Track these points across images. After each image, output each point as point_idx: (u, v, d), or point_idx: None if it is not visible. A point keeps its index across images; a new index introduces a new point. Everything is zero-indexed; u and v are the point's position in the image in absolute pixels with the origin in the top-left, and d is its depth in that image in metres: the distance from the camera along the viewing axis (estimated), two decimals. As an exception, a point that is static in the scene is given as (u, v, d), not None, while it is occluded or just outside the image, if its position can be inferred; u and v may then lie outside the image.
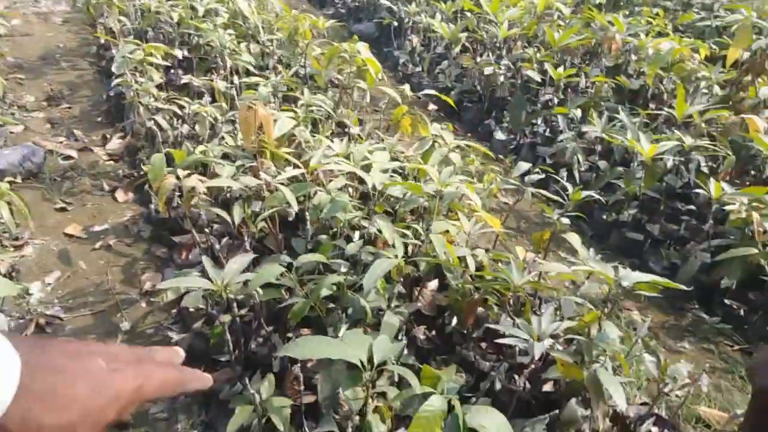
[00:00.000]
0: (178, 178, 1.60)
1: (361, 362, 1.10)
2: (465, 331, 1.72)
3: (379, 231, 1.44)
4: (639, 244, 2.39)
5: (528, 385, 1.65)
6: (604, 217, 2.52)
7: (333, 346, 1.11)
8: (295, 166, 1.61)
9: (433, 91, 2.44)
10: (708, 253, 2.13)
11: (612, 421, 1.60)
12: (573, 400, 1.37)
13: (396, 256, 1.38)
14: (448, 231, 1.62)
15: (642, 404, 1.69)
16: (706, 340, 2.03)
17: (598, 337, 1.42)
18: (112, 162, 2.78)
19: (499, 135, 3.14)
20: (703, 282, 2.18)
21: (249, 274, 1.35)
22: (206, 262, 1.40)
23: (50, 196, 2.44)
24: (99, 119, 3.14)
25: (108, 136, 2.94)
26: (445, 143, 1.98)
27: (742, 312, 2.08)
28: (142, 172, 2.41)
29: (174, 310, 1.92)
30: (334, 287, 1.41)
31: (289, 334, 1.64)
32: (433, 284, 1.97)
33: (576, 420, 1.35)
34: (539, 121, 3.09)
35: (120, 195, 2.51)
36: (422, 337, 1.82)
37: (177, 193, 1.98)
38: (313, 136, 2.13)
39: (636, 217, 2.47)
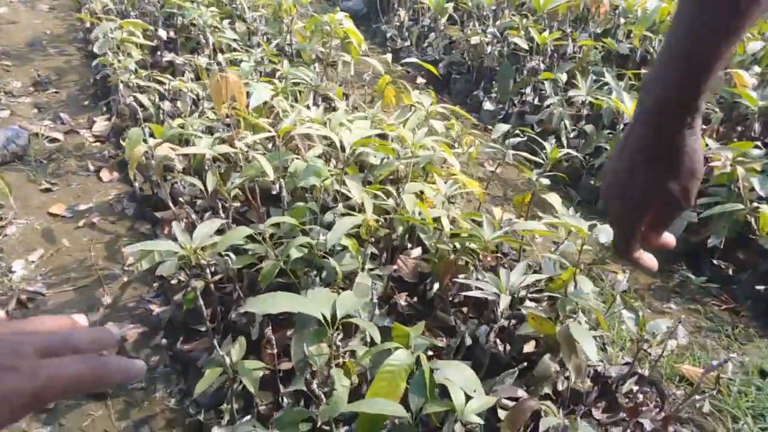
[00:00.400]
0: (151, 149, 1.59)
1: (324, 317, 1.09)
2: (443, 296, 1.71)
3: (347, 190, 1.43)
4: (627, 208, 2.36)
5: (508, 347, 1.65)
6: (592, 182, 2.49)
7: (296, 301, 1.10)
8: (264, 131, 1.59)
9: (415, 59, 2.41)
10: (695, 213, 2.10)
11: (593, 381, 1.59)
12: (547, 356, 1.36)
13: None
14: (423, 192, 1.61)
15: (624, 364, 1.67)
16: (692, 301, 2.00)
17: (573, 293, 1.40)
18: (98, 143, 2.77)
19: (488, 105, 3.10)
20: (691, 242, 2.15)
21: (218, 237, 1.35)
22: (176, 227, 1.40)
23: (35, 178, 2.44)
24: (86, 103, 3.13)
25: (94, 118, 2.94)
26: (423, 107, 1.95)
27: (730, 271, 2.06)
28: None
29: (156, 284, 1.93)
30: (305, 249, 1.40)
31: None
32: (417, 251, 1.96)
33: (549, 375, 1.34)
34: (528, 90, 3.05)
35: (105, 174, 2.50)
36: (403, 303, 1.81)
37: (150, 159, 1.96)
38: (293, 107, 2.11)
39: (624, 182, 2.44)
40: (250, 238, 1.55)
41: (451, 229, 1.53)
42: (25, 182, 2.41)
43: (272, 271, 1.34)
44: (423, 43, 3.73)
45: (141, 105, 2.40)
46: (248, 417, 1.40)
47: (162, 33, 3.10)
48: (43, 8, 4.33)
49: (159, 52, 3.18)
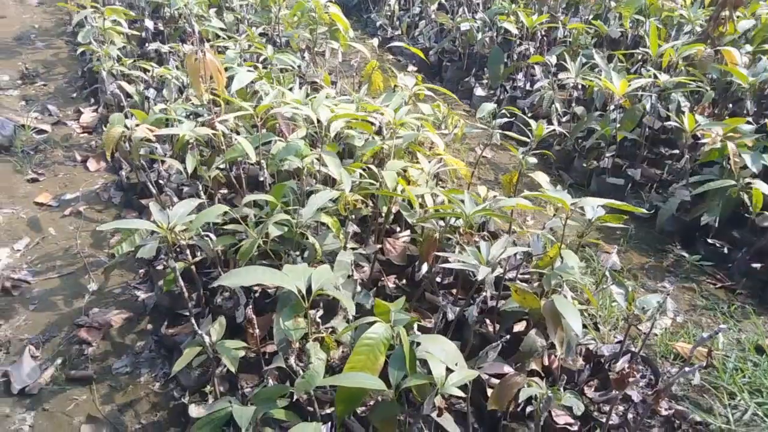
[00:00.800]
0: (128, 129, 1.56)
1: (299, 290, 1.06)
2: (431, 277, 1.68)
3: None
4: (620, 189, 2.34)
5: (497, 326, 1.62)
6: (584, 165, 2.46)
7: (270, 274, 1.08)
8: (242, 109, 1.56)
9: (401, 43, 2.38)
10: (687, 191, 2.07)
11: (585, 359, 1.57)
12: (533, 331, 1.33)
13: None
14: (406, 170, 1.58)
15: (617, 342, 1.65)
16: (687, 279, 1.97)
17: (558, 267, 1.38)
18: (85, 134, 2.75)
19: (479, 91, 3.07)
20: (685, 222, 2.12)
21: (193, 216, 1.32)
22: (153, 206, 1.37)
23: (21, 168, 2.42)
24: (74, 95, 3.11)
25: (82, 110, 2.91)
26: (407, 88, 1.92)
27: (725, 250, 2.03)
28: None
29: (141, 270, 1.91)
30: (285, 227, 1.37)
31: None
32: (405, 235, 1.94)
33: (535, 350, 1.31)
34: (519, 75, 3.02)
35: (92, 164, 2.48)
36: (392, 285, 1.79)
37: (126, 144, 1.93)
38: (275, 89, 2.08)
39: (617, 164, 2.41)
40: (232, 220, 1.53)
41: (435, 206, 1.50)
42: (11, 172, 2.39)
43: (250, 248, 1.31)
44: (414, 31, 3.70)
45: (126, 94, 2.37)
46: (232, 399, 1.37)
47: (149, 23, 3.07)
48: (32, 3, 4.31)
49: (146, 43, 3.15)
